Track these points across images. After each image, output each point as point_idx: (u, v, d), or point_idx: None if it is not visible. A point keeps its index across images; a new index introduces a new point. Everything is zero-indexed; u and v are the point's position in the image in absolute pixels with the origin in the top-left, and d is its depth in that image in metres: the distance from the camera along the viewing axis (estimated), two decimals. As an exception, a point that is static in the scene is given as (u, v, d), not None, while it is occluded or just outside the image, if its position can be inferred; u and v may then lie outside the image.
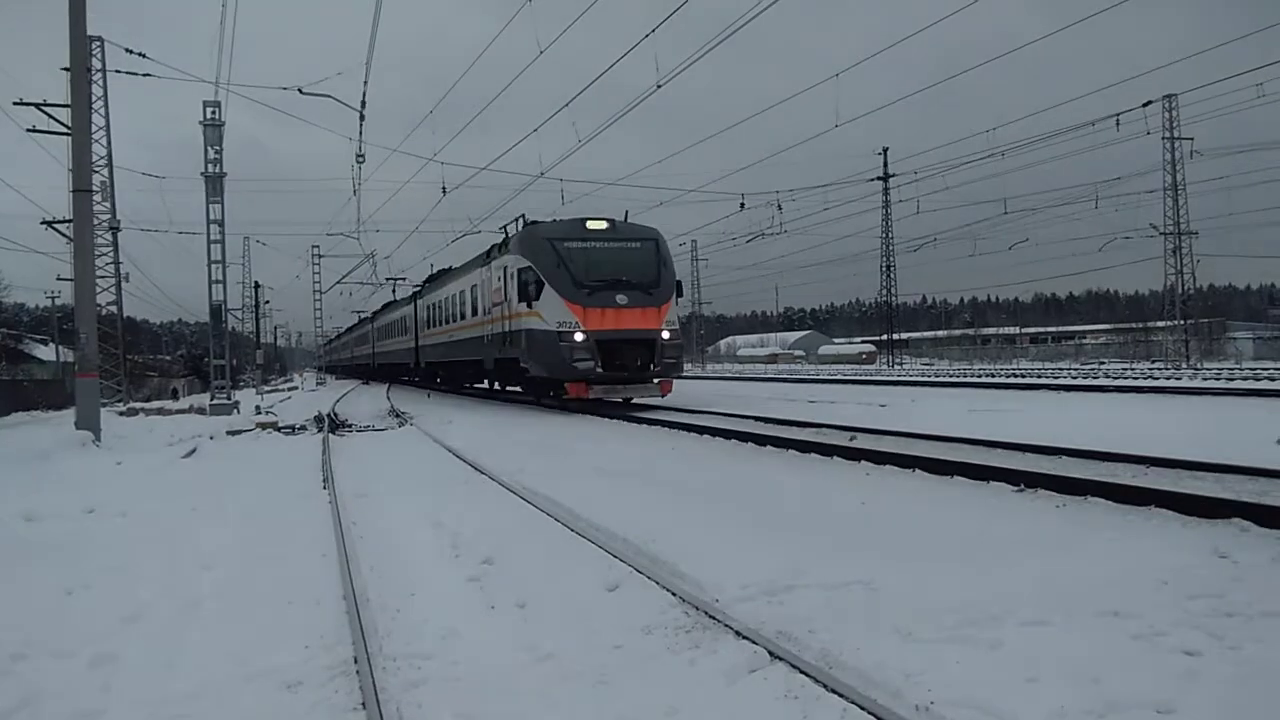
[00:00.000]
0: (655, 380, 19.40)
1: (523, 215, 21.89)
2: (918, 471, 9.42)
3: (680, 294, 20.71)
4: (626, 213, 21.27)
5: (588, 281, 19.06)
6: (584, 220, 20.26)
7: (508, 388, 25.78)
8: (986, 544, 6.22)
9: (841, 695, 3.77)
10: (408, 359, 39.66)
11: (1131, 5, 18.97)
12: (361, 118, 23.12)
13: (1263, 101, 33.27)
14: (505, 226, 22.79)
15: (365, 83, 21.54)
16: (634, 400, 20.17)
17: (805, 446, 11.56)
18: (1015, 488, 8.21)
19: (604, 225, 20.12)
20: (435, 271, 36.35)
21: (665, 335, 19.31)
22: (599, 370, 18.52)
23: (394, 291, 52.98)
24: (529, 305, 19.32)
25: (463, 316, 26.87)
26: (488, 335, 23.13)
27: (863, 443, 11.51)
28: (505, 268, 21.15)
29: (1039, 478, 8.21)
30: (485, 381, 28.56)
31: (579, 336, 18.54)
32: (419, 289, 37.79)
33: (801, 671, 4.04)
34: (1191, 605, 4.67)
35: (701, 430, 14.42)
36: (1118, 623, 4.47)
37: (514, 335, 20.49)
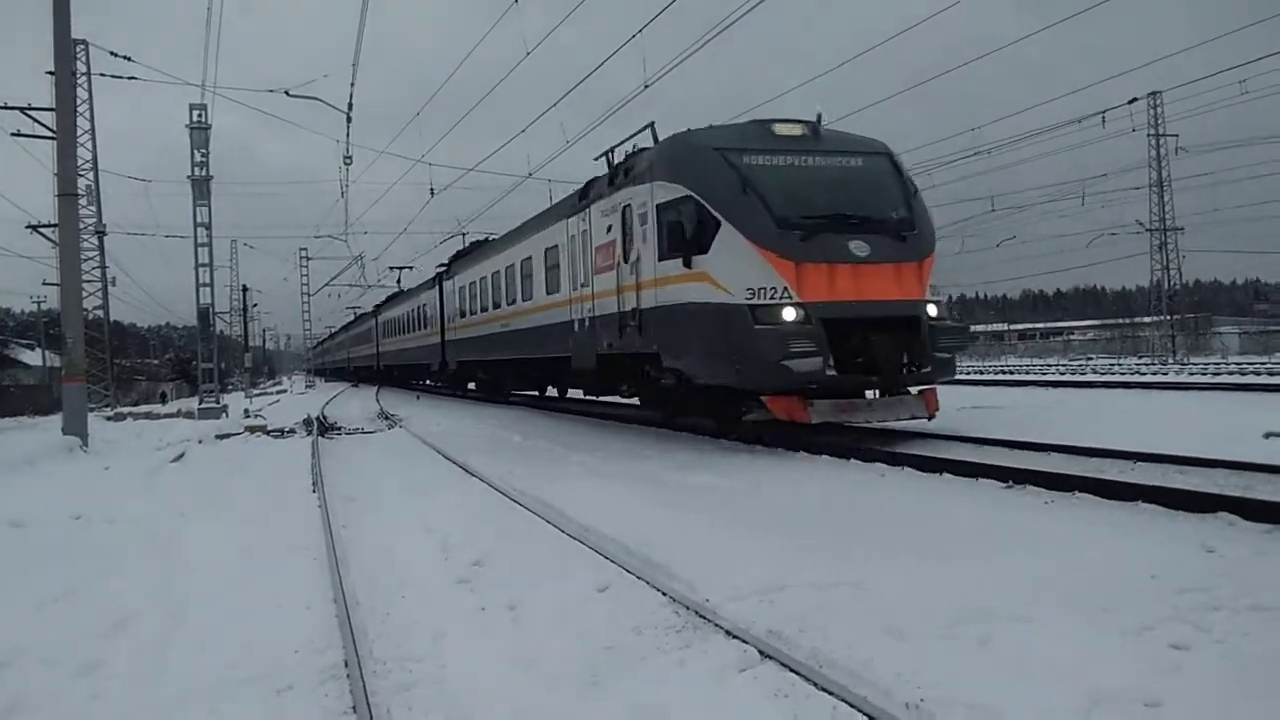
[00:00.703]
0: (917, 388, 11.81)
1: (651, 124, 13.95)
2: (906, 469, 9.45)
3: None
4: (820, 114, 12.98)
5: (798, 219, 11.34)
6: (768, 123, 12.64)
7: (604, 397, 18.61)
8: (975, 541, 6.25)
9: (832, 694, 3.78)
10: (429, 358, 32.07)
11: (1117, 4, 19.02)
12: (349, 119, 23.10)
13: (1247, 98, 33.49)
14: (608, 153, 14.94)
15: (352, 84, 21.49)
16: (879, 424, 11.92)
17: (794, 445, 11.57)
18: (1004, 484, 8.24)
19: (799, 130, 12.54)
20: (471, 244, 29.02)
21: (932, 311, 11.68)
22: (830, 373, 10.77)
23: (399, 282, 46.62)
24: (686, 262, 11.64)
25: (527, 296, 19.22)
26: (584, 320, 15.37)
27: (852, 440, 11.53)
28: (628, 206, 13.35)
29: (1027, 474, 8.24)
30: (550, 388, 23.04)
31: (790, 313, 10.82)
32: (446, 268, 29.92)
33: (792, 670, 4.05)
34: (1179, 599, 4.69)
35: (685, 429, 14.41)
36: (1106, 617, 4.50)
37: (647, 315, 12.74)
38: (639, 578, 5.72)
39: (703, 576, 5.54)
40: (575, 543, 6.89)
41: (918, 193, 12.62)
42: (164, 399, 49.24)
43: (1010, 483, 8.22)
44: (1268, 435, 10.25)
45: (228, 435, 17.95)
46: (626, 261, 13.36)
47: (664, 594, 5.34)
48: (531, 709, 3.94)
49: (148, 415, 26.17)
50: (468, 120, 23.33)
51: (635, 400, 15.98)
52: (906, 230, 11.85)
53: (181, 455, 14.78)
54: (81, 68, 27.98)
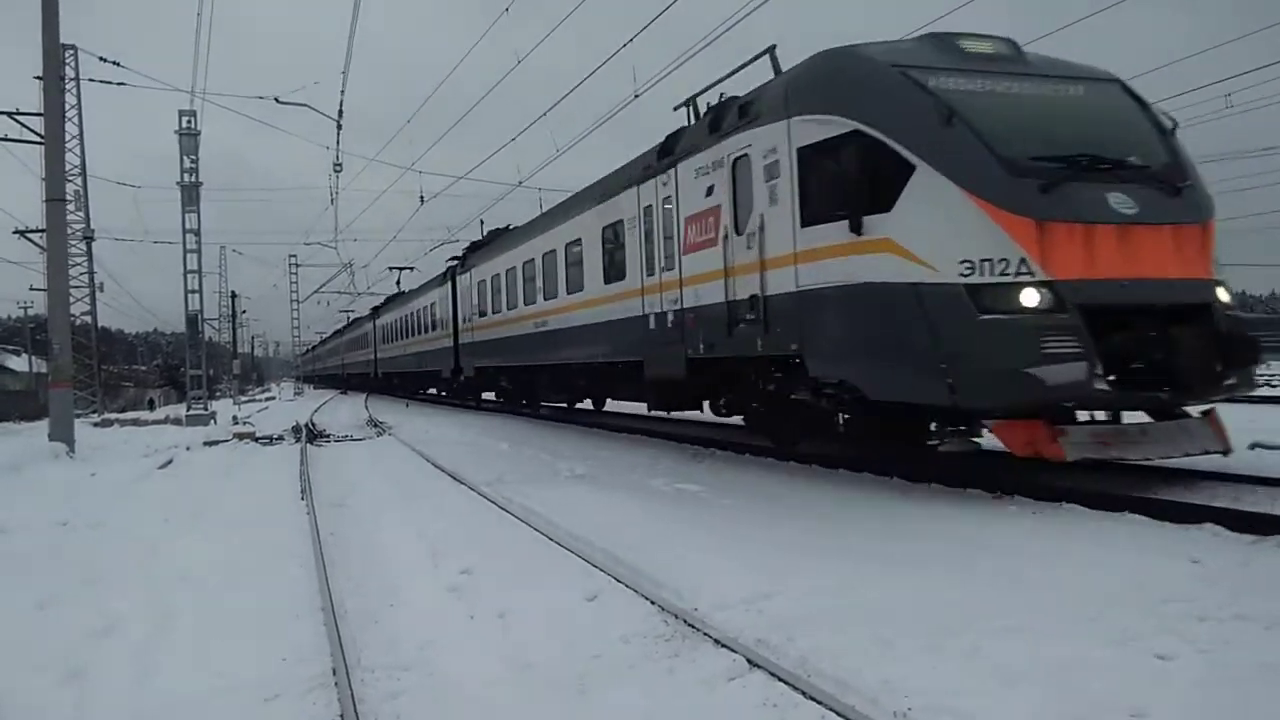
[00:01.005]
0: (1199, 410, 8.47)
1: (772, 48, 10.77)
2: (894, 479, 9.47)
3: None
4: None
5: (1030, 161, 7.87)
6: (952, 36, 9.21)
7: (674, 411, 14.32)
8: (963, 551, 6.26)
9: (819, 702, 3.78)
10: (439, 364, 28.37)
11: (1102, 17, 19.18)
12: (339, 126, 23.12)
13: (1230, 112, 33.76)
14: (690, 101, 12.25)
15: (342, 92, 21.56)
16: (1155, 460, 8.26)
17: (783, 456, 11.58)
18: (991, 495, 8.27)
19: (997, 47, 9.20)
20: (490, 232, 25.40)
21: (1224, 296, 8.35)
22: (1101, 386, 7.34)
23: (399, 283, 44.03)
24: (854, 226, 8.26)
25: (574, 288, 15.72)
26: (666, 314, 12.08)
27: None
28: (742, 158, 10.14)
29: (1014, 484, 8.27)
30: (579, 399, 19.86)
31: (1034, 296, 7.48)
32: (458, 261, 26.43)
33: (780, 679, 4.05)
34: (1165, 609, 4.72)
35: (667, 436, 14.41)
36: (1093, 627, 4.52)
37: (777, 304, 9.50)
38: (628, 586, 5.72)
39: (690, 585, 5.55)
40: (564, 551, 6.88)
41: (1176, 131, 9.08)
42: (152, 405, 49.00)
43: (998, 493, 8.25)
44: (1253, 446, 10.29)
45: (216, 442, 17.85)
46: (740, 233, 10.16)
47: (652, 602, 5.35)
48: (519, 717, 3.94)
49: (135, 422, 26.01)
50: (458, 128, 23.36)
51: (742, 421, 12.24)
52: (1179, 180, 8.34)
53: (169, 462, 14.69)
54: (70, 72, 27.91)
